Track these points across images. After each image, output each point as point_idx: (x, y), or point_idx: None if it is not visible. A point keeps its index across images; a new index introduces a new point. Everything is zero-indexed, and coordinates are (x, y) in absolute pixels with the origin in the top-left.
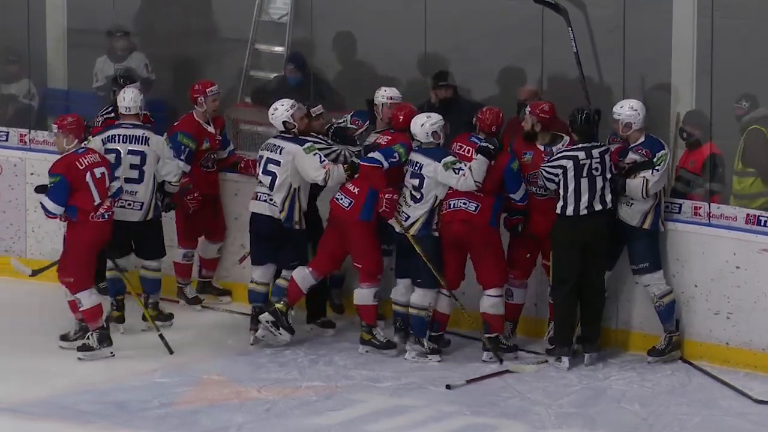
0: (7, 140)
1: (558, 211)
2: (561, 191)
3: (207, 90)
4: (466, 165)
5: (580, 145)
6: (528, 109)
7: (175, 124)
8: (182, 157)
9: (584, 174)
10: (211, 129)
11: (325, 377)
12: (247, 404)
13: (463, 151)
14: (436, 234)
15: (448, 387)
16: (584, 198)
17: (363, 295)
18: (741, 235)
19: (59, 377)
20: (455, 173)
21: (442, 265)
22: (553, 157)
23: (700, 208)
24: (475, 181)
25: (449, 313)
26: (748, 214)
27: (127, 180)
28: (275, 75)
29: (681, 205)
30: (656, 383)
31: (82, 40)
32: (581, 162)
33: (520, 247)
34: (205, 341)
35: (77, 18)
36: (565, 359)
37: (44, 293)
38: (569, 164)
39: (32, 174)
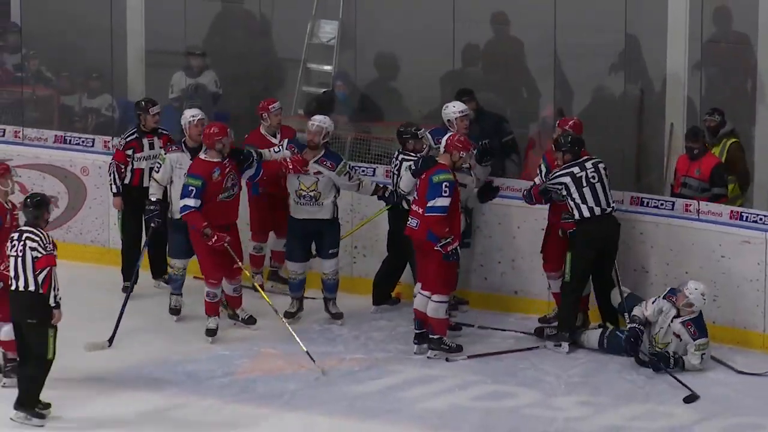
0: (93, 146)
1: (576, 217)
2: (570, 202)
3: (270, 107)
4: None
5: (572, 162)
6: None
7: (246, 137)
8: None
9: (584, 184)
10: (275, 141)
11: (366, 350)
12: (299, 374)
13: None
14: None
15: (447, 360)
16: (590, 204)
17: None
18: (726, 229)
19: (138, 350)
20: None
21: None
22: (554, 174)
23: (690, 205)
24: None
25: (424, 310)
26: (732, 211)
27: None
28: (324, 90)
29: (674, 203)
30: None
31: (158, 60)
32: (577, 175)
33: (553, 243)
34: (263, 320)
35: (154, 41)
36: (566, 344)
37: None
38: (567, 180)
39: None
